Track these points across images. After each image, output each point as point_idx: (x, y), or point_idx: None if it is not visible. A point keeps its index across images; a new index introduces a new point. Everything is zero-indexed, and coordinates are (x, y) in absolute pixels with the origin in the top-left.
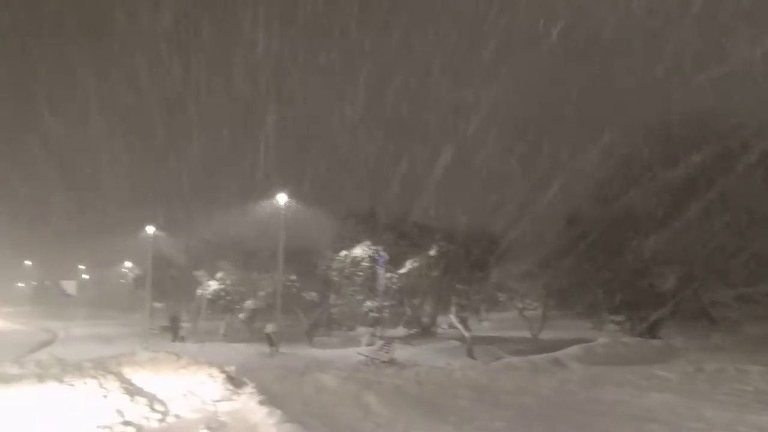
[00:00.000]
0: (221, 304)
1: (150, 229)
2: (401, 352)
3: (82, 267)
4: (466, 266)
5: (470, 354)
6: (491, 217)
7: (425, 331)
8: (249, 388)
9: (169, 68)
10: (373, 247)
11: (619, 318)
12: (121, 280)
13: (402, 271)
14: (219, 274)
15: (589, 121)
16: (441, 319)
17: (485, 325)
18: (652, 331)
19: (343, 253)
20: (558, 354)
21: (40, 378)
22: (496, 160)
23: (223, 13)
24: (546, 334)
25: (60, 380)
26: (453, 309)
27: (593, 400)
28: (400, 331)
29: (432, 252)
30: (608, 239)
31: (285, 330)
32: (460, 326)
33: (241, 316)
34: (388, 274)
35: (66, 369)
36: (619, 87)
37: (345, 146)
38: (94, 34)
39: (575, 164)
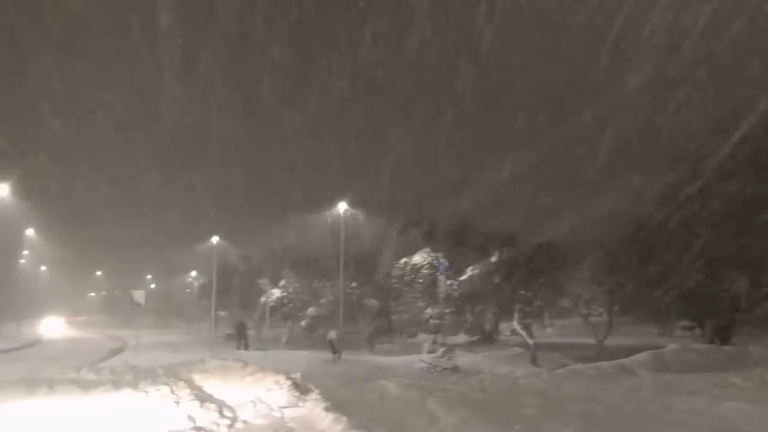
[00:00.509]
0: (284, 311)
1: (214, 239)
2: (463, 360)
3: (149, 277)
4: (529, 272)
5: (534, 361)
6: (553, 222)
7: (487, 338)
8: (314, 395)
9: (230, 79)
10: (433, 254)
11: (688, 324)
12: (187, 290)
13: (463, 277)
14: (281, 282)
15: (655, 121)
16: (503, 326)
17: (548, 332)
18: (724, 338)
19: (403, 260)
20: (625, 361)
21: (116, 384)
22: (558, 163)
23: (300, 25)
24: (611, 341)
25: (134, 387)
26: (516, 315)
27: (666, 409)
28: (462, 338)
29: (493, 258)
30: (676, 242)
31: (346, 337)
32: (523, 333)
33: (303, 323)
34: (449, 281)
35: (139, 376)
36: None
37: (403, 153)
38: (150, 49)
39: (641, 166)
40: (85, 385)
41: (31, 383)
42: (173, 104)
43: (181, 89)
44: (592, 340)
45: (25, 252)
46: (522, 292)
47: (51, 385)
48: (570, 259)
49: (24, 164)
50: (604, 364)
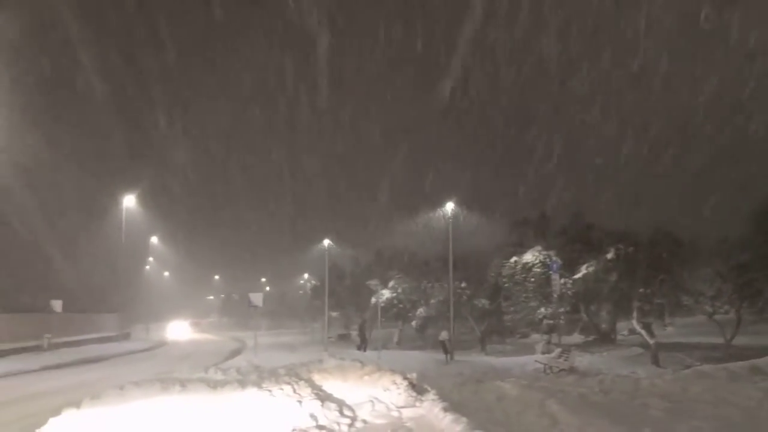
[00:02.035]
0: (394, 312)
1: (325, 242)
2: (580, 360)
3: (263, 280)
4: (648, 268)
5: (656, 361)
6: (673, 216)
7: (604, 338)
8: (431, 395)
9: (336, 84)
10: (545, 252)
11: None
12: (300, 291)
13: (577, 276)
14: (391, 283)
15: None
16: (620, 325)
17: (669, 331)
18: None
19: (514, 259)
20: (759, 362)
21: (242, 383)
22: (676, 155)
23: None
24: (739, 340)
25: (259, 386)
26: (635, 314)
27: None
28: (576, 338)
29: (609, 255)
30: None
31: (458, 337)
32: (643, 332)
33: (414, 323)
34: (563, 280)
35: (263, 376)
36: None
37: (511, 151)
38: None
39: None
40: (214, 384)
41: (164, 382)
42: (285, 112)
43: (292, 97)
44: (717, 340)
45: (150, 258)
46: (641, 289)
47: (183, 383)
48: (693, 253)
49: (148, 176)
50: (735, 365)
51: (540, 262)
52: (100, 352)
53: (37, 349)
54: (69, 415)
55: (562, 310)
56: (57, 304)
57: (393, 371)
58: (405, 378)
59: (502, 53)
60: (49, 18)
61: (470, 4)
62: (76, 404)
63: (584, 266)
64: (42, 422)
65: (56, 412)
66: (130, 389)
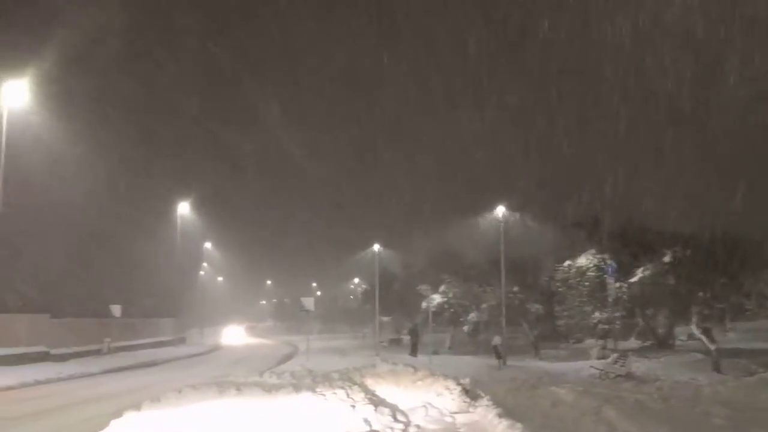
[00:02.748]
0: (445, 316)
1: (376, 247)
2: (637, 366)
3: (314, 284)
4: (707, 272)
5: (717, 368)
6: (734, 216)
7: (661, 343)
8: (485, 401)
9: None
10: (599, 256)
11: None
12: (350, 296)
13: (632, 279)
14: (442, 288)
15: None
16: (678, 330)
17: (730, 336)
18: None
19: (567, 262)
20: None
21: (296, 387)
22: (736, 151)
23: None
24: None
25: (313, 390)
26: (694, 319)
27: None
28: (632, 343)
29: (666, 258)
30: None
31: (510, 342)
32: (702, 337)
33: (465, 328)
34: (618, 284)
35: (316, 380)
36: None
37: (561, 152)
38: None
39: None
40: (269, 388)
41: (221, 385)
42: (340, 116)
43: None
44: None
45: (204, 264)
46: (701, 293)
47: (239, 387)
48: (756, 255)
49: (201, 184)
50: None
51: (594, 265)
52: (157, 355)
53: (98, 352)
54: (130, 417)
55: (617, 314)
56: (116, 309)
57: (446, 376)
58: (458, 383)
59: (550, 57)
60: (104, 27)
61: None
62: (137, 406)
63: (640, 270)
64: (104, 424)
65: (117, 414)
66: (188, 392)
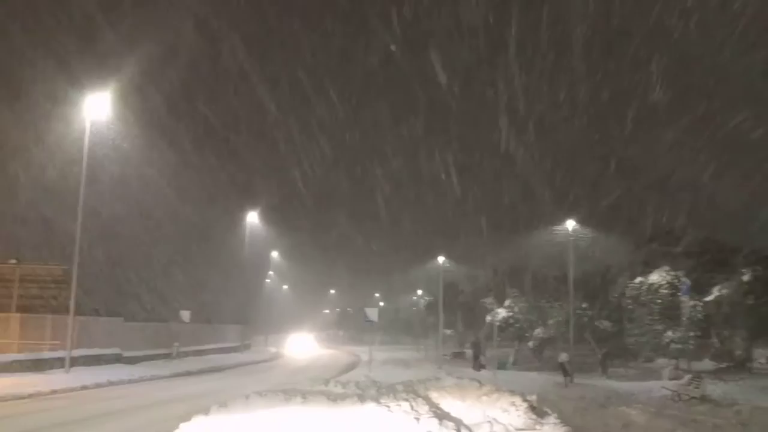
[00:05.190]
0: (510, 331)
1: (440, 259)
2: (713, 388)
3: (377, 295)
4: None
5: None
6: None
7: (738, 366)
8: (552, 419)
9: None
10: (672, 273)
11: None
12: (413, 308)
13: (708, 298)
14: (507, 302)
15: None
16: (757, 352)
17: None
18: None
19: (639, 279)
20: None
21: (360, 398)
22: None
23: None
24: None
25: (377, 401)
26: None
27: None
28: (707, 364)
29: (745, 277)
30: None
31: (577, 360)
32: None
33: (530, 344)
34: (692, 302)
35: (381, 391)
36: None
37: (635, 164)
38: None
39: None
40: (334, 397)
41: (287, 393)
42: (405, 126)
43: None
44: None
45: (271, 272)
46: None
47: (304, 395)
48: None
49: (270, 193)
50: None
51: (667, 282)
52: (223, 361)
53: (167, 356)
54: (198, 420)
55: (691, 334)
56: (185, 315)
57: (511, 392)
58: (524, 400)
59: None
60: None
61: None
62: (205, 411)
63: (717, 288)
64: (174, 427)
65: (186, 417)
66: (254, 398)
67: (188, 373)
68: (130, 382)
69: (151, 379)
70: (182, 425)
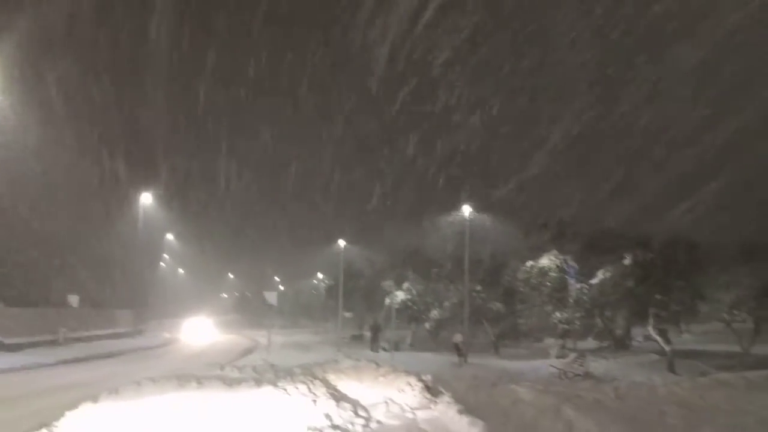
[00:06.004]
0: (407, 313)
1: (341, 243)
2: (595, 366)
3: (276, 279)
4: (666, 275)
5: (672, 368)
6: (691, 222)
7: (619, 344)
8: (446, 398)
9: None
10: (561, 257)
11: None
12: (313, 291)
13: (593, 281)
14: (405, 285)
15: None
16: (635, 331)
17: (685, 338)
18: None
19: (530, 263)
20: None
21: (257, 382)
22: (696, 159)
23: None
24: (759, 349)
25: (274, 384)
26: (650, 320)
27: None
28: (591, 343)
29: (626, 261)
30: None
31: (471, 340)
32: (659, 339)
33: (427, 326)
34: (579, 285)
35: (279, 374)
36: None
37: (525, 154)
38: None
39: None
40: (230, 382)
41: (181, 378)
42: (302, 108)
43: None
44: (735, 348)
45: (165, 256)
46: (658, 296)
47: (199, 380)
48: (710, 260)
49: (164, 175)
50: (754, 374)
51: (556, 266)
52: (114, 347)
53: (53, 343)
54: (86, 408)
55: (577, 314)
56: (74, 299)
57: (408, 373)
58: (420, 380)
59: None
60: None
61: None
62: (93, 398)
63: (601, 272)
64: (59, 416)
65: (73, 406)
66: (146, 385)
67: (76, 360)
68: (11, 370)
69: (35, 366)
70: (68, 413)
